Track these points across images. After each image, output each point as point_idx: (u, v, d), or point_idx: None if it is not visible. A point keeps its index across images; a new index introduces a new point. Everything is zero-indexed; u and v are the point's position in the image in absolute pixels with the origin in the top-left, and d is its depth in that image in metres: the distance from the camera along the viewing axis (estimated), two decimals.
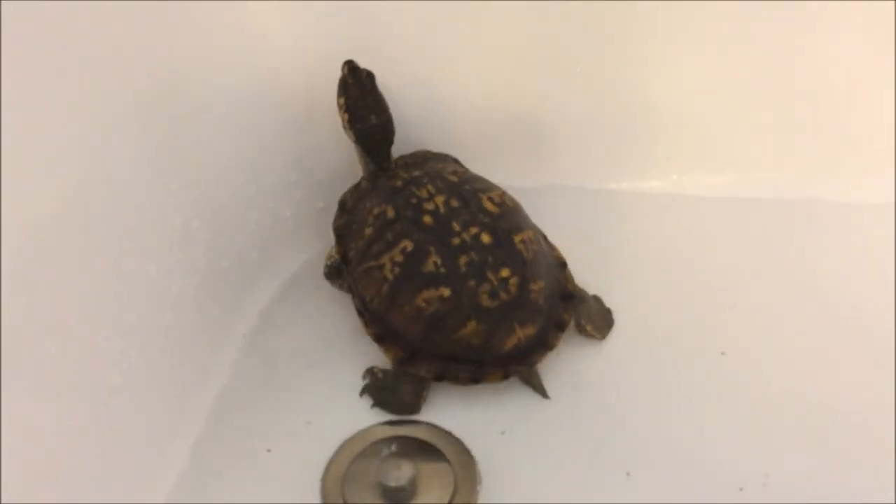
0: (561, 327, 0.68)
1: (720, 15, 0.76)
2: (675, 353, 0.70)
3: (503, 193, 0.71)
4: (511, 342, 0.65)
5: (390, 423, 0.67)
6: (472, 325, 0.65)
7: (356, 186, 0.74)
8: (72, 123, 0.57)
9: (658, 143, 0.83)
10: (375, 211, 0.69)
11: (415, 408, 0.67)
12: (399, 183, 0.70)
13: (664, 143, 0.83)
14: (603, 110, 0.81)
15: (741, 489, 0.61)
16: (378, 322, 0.68)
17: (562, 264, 0.71)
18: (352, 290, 0.70)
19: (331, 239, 0.73)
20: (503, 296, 0.65)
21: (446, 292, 0.65)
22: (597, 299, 0.73)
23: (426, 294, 0.65)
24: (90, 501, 0.55)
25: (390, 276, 0.66)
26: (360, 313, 0.69)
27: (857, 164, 0.81)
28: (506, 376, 0.66)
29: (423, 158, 0.75)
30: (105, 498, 0.57)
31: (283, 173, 0.76)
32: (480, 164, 0.75)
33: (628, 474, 0.62)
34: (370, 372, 0.68)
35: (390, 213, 0.68)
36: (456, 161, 0.76)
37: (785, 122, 0.81)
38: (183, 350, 0.67)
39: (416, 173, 0.71)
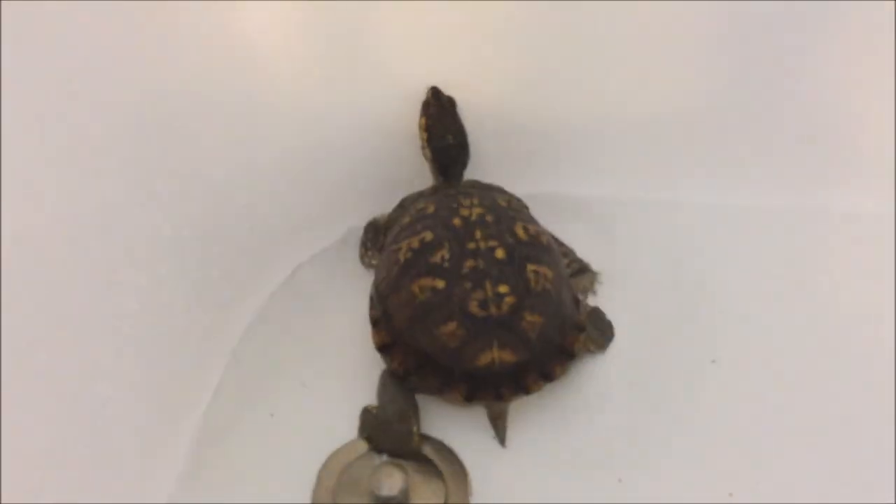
0: (547, 378, 0.65)
1: (722, 26, 0.77)
2: (667, 361, 0.70)
3: (543, 231, 0.71)
4: (484, 359, 0.64)
5: None
6: (452, 326, 0.64)
7: (421, 192, 0.77)
8: (63, 135, 0.57)
9: (655, 153, 0.83)
10: (420, 205, 0.72)
11: (408, 442, 0.65)
12: (452, 191, 0.73)
13: (661, 152, 0.83)
14: (600, 119, 0.82)
15: (731, 494, 0.61)
16: (380, 305, 0.69)
17: (579, 328, 0.69)
18: (376, 275, 0.72)
19: (321, 251, 0.75)
20: (493, 309, 0.65)
21: (440, 284, 0.65)
22: (596, 312, 0.73)
23: (422, 282, 0.66)
24: None
25: (402, 259, 0.68)
26: (371, 297, 0.70)
27: (853, 173, 0.81)
28: (469, 398, 0.64)
29: (490, 187, 0.77)
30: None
31: (275, 183, 0.76)
32: (474, 171, 0.75)
33: (620, 480, 0.62)
34: (365, 412, 0.67)
35: (430, 209, 0.71)
36: (520, 200, 0.77)
37: (782, 132, 0.81)
38: (174, 359, 0.67)
39: (473, 191, 0.73)
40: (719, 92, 0.80)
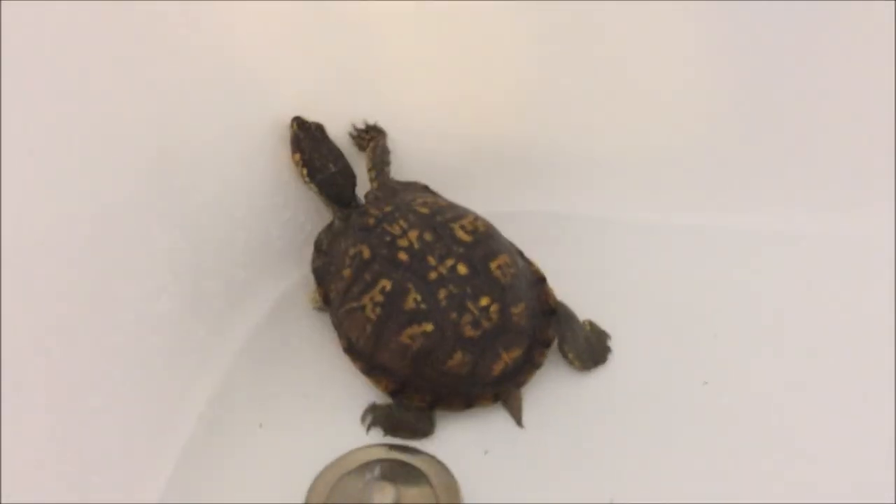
0: (546, 344, 0.68)
1: (716, 44, 0.77)
2: (659, 381, 0.70)
3: (475, 219, 0.71)
4: (498, 367, 0.66)
5: (373, 446, 0.67)
6: (458, 357, 0.65)
7: (329, 226, 0.75)
8: (61, 147, 0.57)
9: (646, 175, 0.83)
10: (351, 252, 0.69)
11: (427, 430, 0.67)
12: (371, 221, 0.70)
13: (652, 175, 0.83)
14: (593, 139, 0.82)
15: None
16: (365, 359, 0.68)
17: (541, 280, 0.71)
18: (337, 329, 0.70)
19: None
20: (485, 324, 0.66)
21: (429, 327, 0.65)
22: (591, 325, 0.72)
23: (410, 331, 0.66)
24: None
25: (373, 317, 0.67)
26: (347, 350, 0.69)
27: (848, 196, 0.81)
28: (496, 398, 0.67)
29: (393, 191, 0.75)
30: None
31: (271, 195, 0.76)
32: (469, 191, 0.75)
33: (612, 499, 0.62)
34: (372, 407, 0.68)
35: (366, 254, 0.68)
36: (426, 188, 0.77)
37: (773, 155, 0.81)
38: (169, 371, 0.67)
39: (388, 209, 0.71)
40: (711, 116, 0.81)
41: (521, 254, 0.73)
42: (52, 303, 0.57)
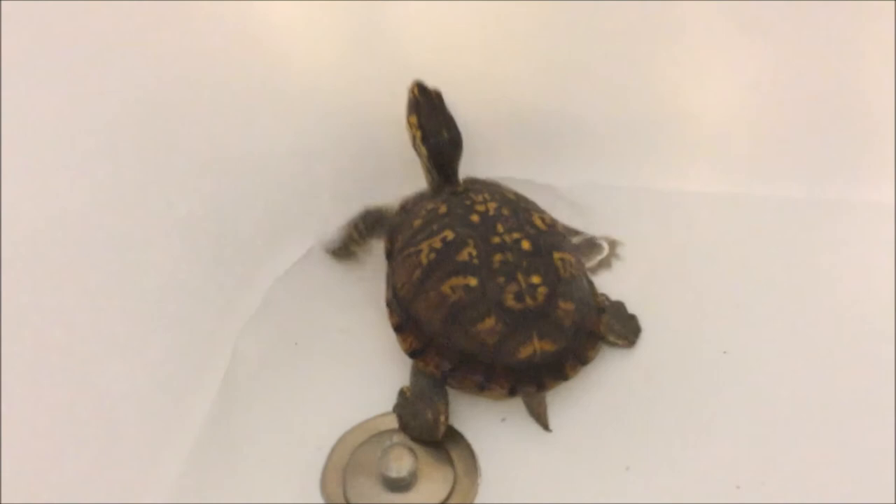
0: (583, 362, 0.66)
1: (732, 20, 0.76)
2: (678, 351, 0.70)
3: (556, 220, 0.71)
4: (526, 351, 0.64)
5: (391, 414, 0.67)
6: (490, 322, 0.64)
7: (421, 193, 0.75)
8: (79, 114, 0.58)
9: (667, 143, 0.82)
10: (429, 206, 0.70)
11: (434, 433, 0.65)
12: (460, 189, 0.72)
13: (673, 142, 0.82)
14: (612, 110, 0.81)
15: (738, 487, 0.61)
16: (402, 311, 0.67)
17: (600, 310, 0.69)
18: (387, 280, 0.70)
19: (332, 232, 0.75)
20: (529, 301, 0.64)
21: (473, 281, 0.64)
22: (619, 305, 0.72)
23: (453, 281, 0.65)
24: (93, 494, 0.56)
25: (425, 262, 0.66)
26: (388, 303, 0.69)
27: (861, 164, 0.80)
28: (512, 392, 0.64)
29: (490, 183, 0.75)
30: (107, 488, 0.58)
31: (289, 163, 0.76)
32: (493, 161, 0.75)
33: (628, 468, 0.63)
34: (401, 393, 0.68)
35: (442, 209, 0.69)
36: (526, 198, 0.75)
37: (791, 124, 0.80)
38: (187, 339, 0.67)
39: (477, 186, 0.73)
40: (730, 87, 0.80)
41: (590, 282, 0.71)
42: (70, 271, 0.57)
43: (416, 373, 0.67)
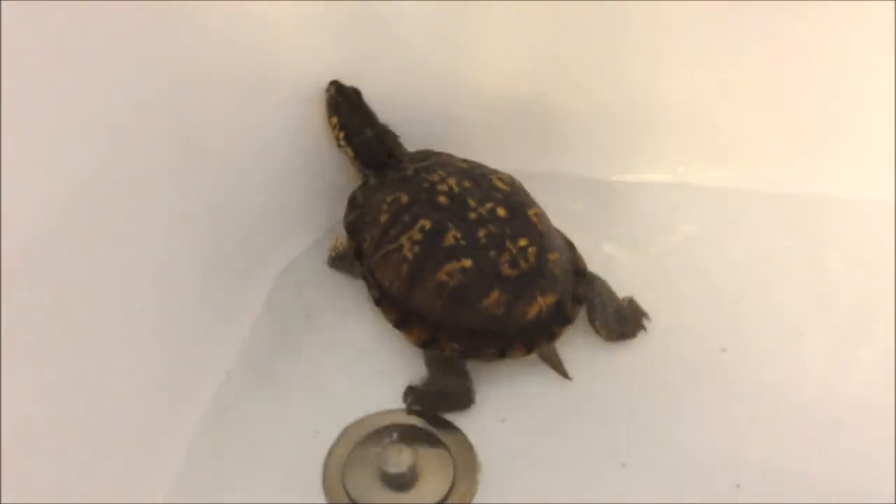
0: (578, 301, 0.68)
1: (729, 12, 0.76)
2: (676, 347, 0.70)
3: (510, 175, 0.72)
4: (533, 311, 0.65)
5: (392, 411, 0.67)
6: (494, 295, 0.65)
7: (364, 184, 0.74)
8: (78, 109, 0.57)
9: (664, 136, 0.82)
10: (389, 199, 0.69)
11: (468, 399, 0.67)
12: (409, 172, 0.71)
13: (670, 136, 0.82)
14: (610, 102, 0.81)
15: (738, 486, 0.61)
16: (398, 307, 0.68)
17: (569, 245, 0.72)
18: (368, 281, 0.70)
19: (333, 227, 0.74)
20: (523, 264, 0.65)
21: (468, 263, 0.65)
22: (630, 302, 0.72)
23: (448, 267, 0.65)
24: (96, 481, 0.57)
25: (410, 256, 0.66)
26: (378, 302, 0.69)
27: (859, 159, 0.80)
28: (529, 351, 0.66)
29: (425, 153, 0.75)
30: (110, 477, 0.58)
31: (289, 158, 0.76)
32: (489, 153, 0.75)
33: (624, 465, 0.63)
34: (410, 390, 0.68)
35: (405, 199, 0.69)
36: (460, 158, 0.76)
37: (789, 118, 0.80)
38: (187, 335, 0.67)
39: (425, 163, 0.72)
40: (728, 80, 0.79)
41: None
42: (69, 267, 0.57)
43: (430, 355, 0.68)
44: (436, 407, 0.67)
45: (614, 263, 0.76)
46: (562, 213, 0.73)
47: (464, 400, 0.67)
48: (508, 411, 0.67)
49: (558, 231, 0.72)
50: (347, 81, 0.75)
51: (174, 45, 0.64)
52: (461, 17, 0.76)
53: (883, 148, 0.79)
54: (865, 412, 0.65)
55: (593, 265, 0.72)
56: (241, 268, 0.73)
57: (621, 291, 0.72)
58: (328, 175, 0.78)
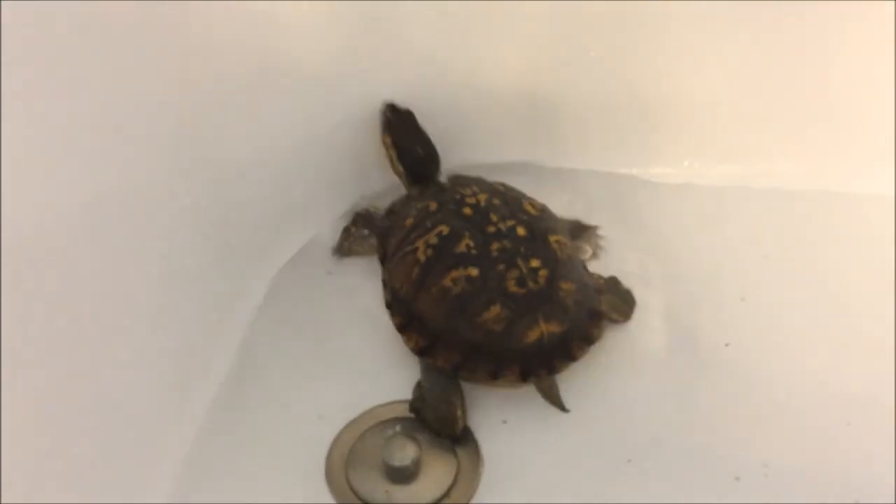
0: (588, 341, 0.66)
1: (733, 10, 0.76)
2: (679, 342, 0.70)
3: (544, 204, 0.72)
4: (533, 335, 0.64)
5: (396, 403, 0.67)
6: (495, 310, 0.64)
7: (406, 195, 0.76)
8: (83, 106, 0.57)
9: (670, 131, 0.83)
10: (419, 205, 0.71)
11: (452, 428, 0.65)
12: (447, 185, 0.73)
13: (676, 131, 0.83)
14: (616, 96, 0.81)
15: (738, 479, 0.61)
16: (404, 310, 0.67)
17: (598, 291, 0.70)
18: (385, 284, 0.70)
19: (337, 221, 0.75)
20: (531, 284, 0.65)
21: (474, 272, 0.65)
22: (614, 280, 0.73)
23: (454, 273, 0.65)
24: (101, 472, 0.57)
25: (422, 258, 0.67)
26: (389, 305, 0.69)
27: (861, 155, 0.81)
28: (524, 378, 0.64)
29: (475, 178, 0.75)
30: (112, 475, 0.58)
31: (294, 152, 0.76)
32: (493, 147, 0.75)
33: (629, 461, 0.63)
34: (417, 386, 0.67)
35: (433, 206, 0.70)
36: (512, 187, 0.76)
37: (793, 115, 0.81)
38: (192, 327, 0.67)
39: (464, 181, 0.73)
40: (733, 77, 0.80)
41: (584, 266, 0.71)
42: (75, 258, 0.57)
43: (427, 369, 0.67)
44: (422, 420, 0.66)
45: (619, 257, 0.76)
46: (567, 206, 0.73)
47: (448, 429, 0.65)
48: (509, 412, 0.66)
49: (594, 274, 0.71)
50: (354, 76, 0.75)
51: (180, 43, 0.65)
52: (468, 11, 0.76)
53: (883, 143, 0.80)
54: (868, 408, 0.65)
55: (598, 257, 0.72)
56: (245, 261, 0.74)
57: (623, 284, 0.73)
58: (332, 169, 0.78)
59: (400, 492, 0.62)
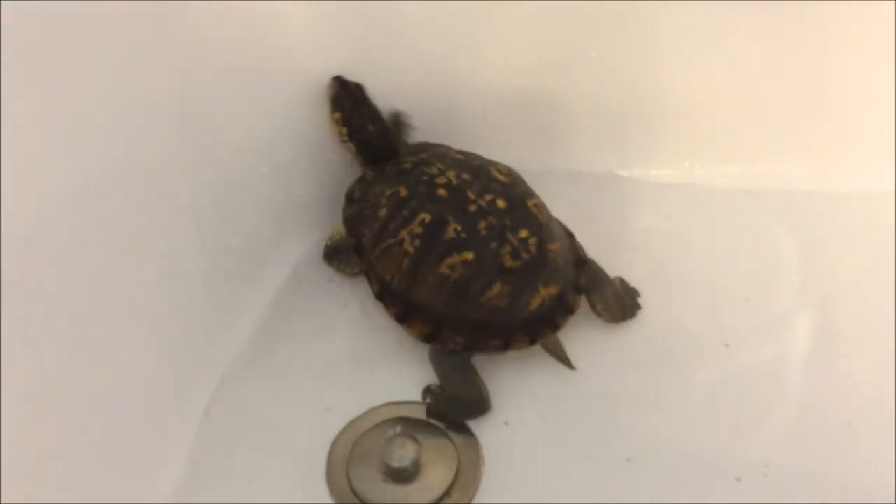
0: (579, 290, 0.68)
1: (733, 11, 0.76)
2: (679, 343, 0.70)
3: (508, 166, 0.72)
4: (536, 302, 0.65)
5: (396, 404, 0.67)
6: (497, 287, 0.65)
7: (361, 178, 0.74)
8: (85, 103, 0.57)
9: (669, 132, 0.83)
10: (388, 192, 0.69)
11: (485, 405, 0.66)
12: (407, 165, 0.71)
13: (675, 132, 0.83)
14: (616, 97, 0.81)
15: (738, 479, 0.61)
16: (400, 301, 0.67)
17: (569, 234, 0.72)
18: (368, 276, 0.70)
19: (335, 220, 0.74)
20: (524, 255, 0.65)
21: (469, 256, 0.65)
22: (622, 282, 0.73)
23: (450, 260, 0.65)
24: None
25: (411, 250, 0.66)
26: (380, 296, 0.69)
27: (862, 155, 0.81)
28: (532, 342, 0.66)
29: (423, 146, 0.76)
30: (113, 474, 0.59)
31: (295, 152, 0.76)
32: (493, 148, 0.74)
33: (629, 461, 0.63)
34: (428, 391, 0.68)
35: (403, 193, 0.68)
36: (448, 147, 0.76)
37: (794, 115, 0.81)
38: (192, 327, 0.68)
39: (422, 155, 0.72)
40: (732, 77, 0.80)
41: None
42: (76, 258, 0.57)
43: (437, 357, 0.68)
44: (453, 414, 0.66)
45: (619, 258, 0.75)
46: (566, 207, 0.73)
47: (480, 406, 0.66)
48: (511, 413, 0.67)
49: (557, 221, 0.72)
50: (352, 75, 0.75)
51: (181, 40, 0.65)
52: (466, 11, 0.76)
53: (883, 142, 0.80)
54: (868, 409, 0.65)
55: (598, 259, 0.72)
56: (247, 261, 0.74)
57: (634, 285, 0.73)
58: (334, 168, 0.78)
59: (400, 492, 0.62)
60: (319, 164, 0.78)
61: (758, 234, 0.79)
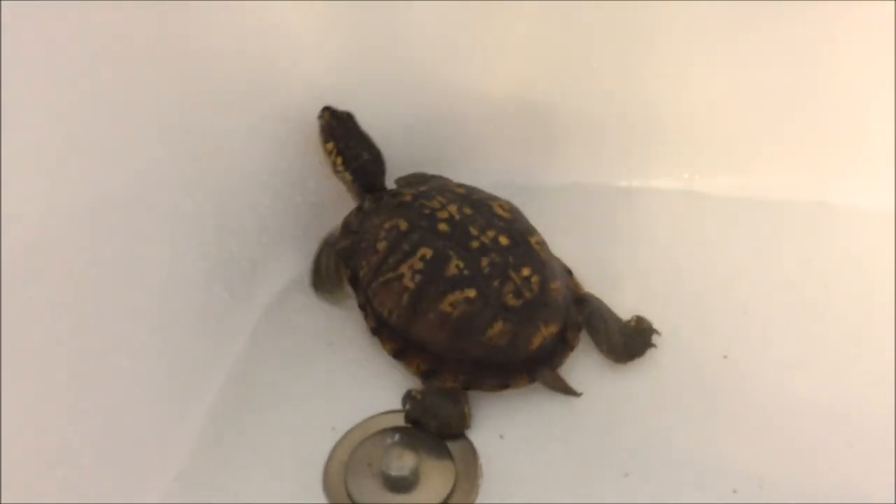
0: (578, 327, 0.68)
1: (735, 21, 0.76)
2: (677, 354, 0.70)
3: (510, 202, 0.71)
4: (537, 341, 0.65)
5: (394, 412, 0.67)
6: (498, 326, 0.64)
7: (359, 209, 0.73)
8: (84, 112, 0.58)
9: (670, 143, 0.83)
10: (387, 225, 0.68)
11: (462, 425, 0.65)
12: (407, 198, 0.70)
13: (676, 143, 0.83)
14: (616, 107, 0.82)
15: (735, 491, 0.61)
16: (398, 337, 0.67)
17: (567, 271, 0.71)
18: (365, 310, 0.69)
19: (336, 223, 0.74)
20: (527, 294, 0.65)
21: (472, 293, 0.64)
22: (638, 320, 0.71)
23: (452, 297, 0.64)
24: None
25: (411, 285, 0.65)
26: (376, 331, 0.68)
27: (863, 167, 0.81)
28: (532, 380, 0.66)
29: (423, 177, 0.75)
30: (112, 476, 0.59)
31: (296, 160, 0.76)
32: (491, 159, 0.75)
33: (626, 475, 0.63)
34: (409, 396, 0.66)
35: (403, 226, 0.67)
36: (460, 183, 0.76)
37: (794, 127, 0.81)
38: (192, 334, 0.68)
39: (422, 188, 0.71)
40: (734, 89, 0.80)
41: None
42: (76, 264, 0.57)
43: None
44: (428, 426, 0.65)
45: (619, 269, 0.76)
46: (567, 218, 0.73)
47: (456, 427, 0.65)
48: (507, 428, 0.66)
49: (556, 258, 0.71)
50: (353, 86, 0.75)
51: (181, 49, 0.65)
52: (468, 22, 0.77)
53: (883, 157, 0.80)
54: (866, 423, 0.65)
55: (598, 271, 0.72)
56: (246, 269, 0.74)
57: (624, 297, 0.72)
58: (335, 178, 0.78)
59: (398, 501, 0.62)
60: (319, 172, 0.78)
61: (756, 246, 0.79)
